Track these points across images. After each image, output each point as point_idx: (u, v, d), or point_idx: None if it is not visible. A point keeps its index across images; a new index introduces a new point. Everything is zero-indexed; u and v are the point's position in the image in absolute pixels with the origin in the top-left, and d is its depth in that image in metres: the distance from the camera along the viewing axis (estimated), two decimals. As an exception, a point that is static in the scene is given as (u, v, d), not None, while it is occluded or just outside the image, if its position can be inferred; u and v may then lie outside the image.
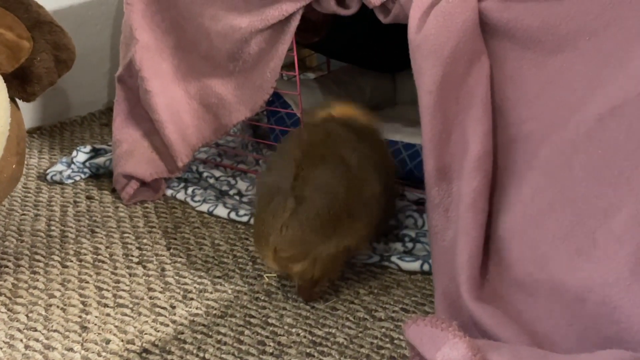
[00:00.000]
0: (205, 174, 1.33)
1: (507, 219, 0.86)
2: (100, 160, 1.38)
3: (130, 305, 1.01)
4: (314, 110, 1.08)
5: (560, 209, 0.82)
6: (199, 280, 1.06)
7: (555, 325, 0.80)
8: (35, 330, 0.96)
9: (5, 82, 1.03)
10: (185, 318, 0.97)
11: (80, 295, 1.03)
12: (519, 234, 0.85)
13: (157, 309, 1.00)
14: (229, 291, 1.03)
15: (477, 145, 0.88)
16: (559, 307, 0.80)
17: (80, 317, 0.99)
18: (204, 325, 0.96)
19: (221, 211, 1.22)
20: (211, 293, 1.02)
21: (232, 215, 1.21)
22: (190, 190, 1.29)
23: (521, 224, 0.85)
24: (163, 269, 1.09)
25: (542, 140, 0.86)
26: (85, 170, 1.38)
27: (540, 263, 0.82)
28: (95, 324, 0.97)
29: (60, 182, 1.36)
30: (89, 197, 1.31)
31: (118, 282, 1.06)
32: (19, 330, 0.96)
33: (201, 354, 0.90)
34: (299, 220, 0.91)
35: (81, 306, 1.01)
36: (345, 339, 0.92)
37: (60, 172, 1.36)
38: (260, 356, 0.90)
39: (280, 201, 0.92)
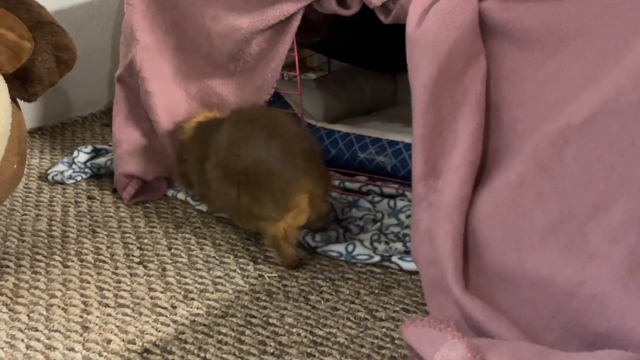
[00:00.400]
0: (206, 174, 1.33)
1: (489, 205, 0.86)
2: (101, 160, 1.38)
3: (132, 305, 1.01)
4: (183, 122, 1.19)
5: (549, 199, 0.81)
6: (200, 280, 1.06)
7: (537, 317, 0.79)
8: (37, 330, 0.97)
9: (6, 82, 1.04)
10: (186, 318, 0.98)
11: (82, 295, 1.04)
12: (503, 221, 0.84)
13: (158, 309, 1.00)
14: (230, 291, 1.03)
15: (467, 139, 0.88)
16: (542, 299, 0.79)
17: (81, 317, 0.99)
18: (205, 325, 0.96)
19: (222, 211, 1.22)
20: (212, 293, 1.03)
21: (233, 215, 1.21)
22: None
23: (506, 212, 0.84)
24: (164, 269, 1.09)
25: (531, 129, 0.85)
26: (87, 170, 1.38)
27: (526, 253, 0.82)
28: (97, 324, 0.97)
29: (62, 182, 1.36)
30: (90, 197, 1.31)
31: (119, 282, 1.06)
32: (20, 330, 0.97)
33: (202, 354, 0.91)
34: (313, 161, 1.03)
35: (82, 306, 1.01)
36: (346, 339, 0.92)
37: (62, 172, 1.36)
38: (261, 356, 0.90)
39: (284, 164, 1.01)
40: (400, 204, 1.17)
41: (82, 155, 1.39)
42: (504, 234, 0.84)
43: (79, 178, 1.37)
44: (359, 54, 1.46)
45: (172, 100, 1.25)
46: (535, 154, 0.83)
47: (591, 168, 0.79)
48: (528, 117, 0.87)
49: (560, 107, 0.84)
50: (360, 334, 0.93)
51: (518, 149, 0.86)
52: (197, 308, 1.00)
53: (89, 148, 1.41)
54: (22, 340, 0.95)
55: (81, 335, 0.95)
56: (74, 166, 1.38)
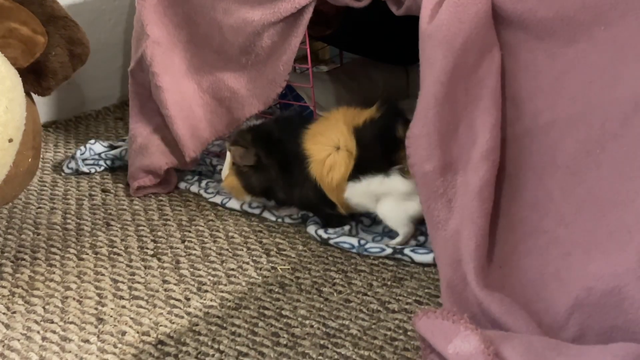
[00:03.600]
0: (218, 167, 1.34)
1: (533, 216, 0.86)
2: (115, 151, 1.39)
3: (146, 298, 1.01)
4: None
5: (588, 208, 0.82)
6: (213, 272, 1.06)
7: (555, 315, 0.79)
8: (52, 322, 0.97)
9: (20, 76, 1.04)
10: (200, 310, 0.98)
11: (96, 287, 1.04)
12: (547, 232, 0.84)
13: (172, 301, 1.00)
14: (243, 283, 1.03)
15: (486, 135, 0.88)
16: (562, 297, 0.79)
17: (96, 309, 1.00)
18: (218, 317, 0.97)
19: (234, 203, 1.22)
20: (225, 285, 1.03)
21: (245, 207, 1.21)
22: (203, 183, 1.29)
23: (551, 223, 0.84)
24: (178, 262, 1.09)
25: (563, 134, 0.85)
26: (101, 162, 1.39)
27: (562, 258, 0.82)
28: (111, 316, 0.98)
29: (77, 172, 1.37)
30: (104, 190, 1.32)
31: (133, 274, 1.07)
32: (36, 322, 0.98)
33: (216, 346, 0.91)
34: None
35: (97, 298, 1.02)
36: (358, 330, 0.92)
37: (76, 161, 1.37)
38: (274, 347, 0.90)
39: None
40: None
41: (98, 146, 1.40)
42: (548, 244, 0.84)
43: (93, 170, 1.38)
44: (371, 46, 1.45)
45: (183, 94, 1.25)
46: (573, 166, 0.84)
47: (623, 171, 0.79)
48: (550, 110, 0.87)
49: (584, 104, 0.84)
50: (373, 326, 0.93)
51: (552, 155, 0.86)
52: (211, 300, 1.00)
53: (106, 143, 1.42)
54: (38, 332, 0.96)
55: (96, 327, 0.96)
56: (87, 153, 1.38)
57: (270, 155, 1.13)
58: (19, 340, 0.94)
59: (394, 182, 1.04)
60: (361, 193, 1.06)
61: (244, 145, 1.13)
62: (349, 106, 1.11)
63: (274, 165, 1.13)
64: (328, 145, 1.07)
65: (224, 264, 1.08)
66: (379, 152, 1.04)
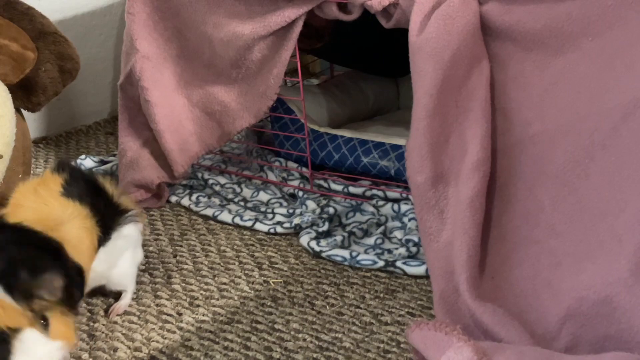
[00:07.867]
0: (210, 181, 1.33)
1: (524, 226, 0.87)
2: (106, 167, 1.38)
3: (138, 313, 1.01)
4: None
5: (578, 218, 0.82)
6: (205, 286, 1.06)
7: (547, 325, 0.80)
8: (43, 339, 0.97)
9: (10, 92, 1.04)
10: (192, 325, 0.98)
11: (88, 303, 1.04)
12: (539, 242, 0.85)
13: (164, 316, 1.00)
14: (235, 297, 1.03)
15: (476, 147, 0.89)
16: (555, 307, 0.80)
17: (88, 325, 0.99)
18: (210, 331, 0.96)
19: (226, 216, 1.22)
20: (217, 299, 1.03)
21: (237, 220, 1.21)
22: (194, 196, 1.29)
23: (542, 234, 0.85)
24: (169, 276, 1.09)
25: (552, 145, 0.86)
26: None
27: (554, 268, 0.82)
28: (103, 332, 0.97)
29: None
30: (95, 206, 1.31)
31: (125, 289, 1.07)
32: (27, 339, 0.97)
33: (208, 361, 0.91)
34: None
35: (89, 314, 1.01)
36: (351, 343, 0.92)
37: None
38: (267, 362, 0.90)
39: None
40: (404, 207, 1.17)
41: (88, 161, 1.40)
42: (539, 254, 0.85)
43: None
44: (361, 59, 1.46)
45: (172, 108, 1.25)
46: (563, 176, 0.84)
47: (612, 180, 0.80)
48: (540, 121, 0.87)
49: (573, 114, 0.84)
50: (366, 339, 0.93)
51: (541, 165, 0.87)
52: (203, 315, 1.00)
53: (96, 158, 1.41)
54: (29, 349, 0.95)
55: (88, 343, 0.95)
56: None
57: None
58: (9, 357, 0.94)
59: (129, 229, 0.98)
60: (110, 255, 0.97)
61: None
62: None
63: None
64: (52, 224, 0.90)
65: (216, 278, 1.08)
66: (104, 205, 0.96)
